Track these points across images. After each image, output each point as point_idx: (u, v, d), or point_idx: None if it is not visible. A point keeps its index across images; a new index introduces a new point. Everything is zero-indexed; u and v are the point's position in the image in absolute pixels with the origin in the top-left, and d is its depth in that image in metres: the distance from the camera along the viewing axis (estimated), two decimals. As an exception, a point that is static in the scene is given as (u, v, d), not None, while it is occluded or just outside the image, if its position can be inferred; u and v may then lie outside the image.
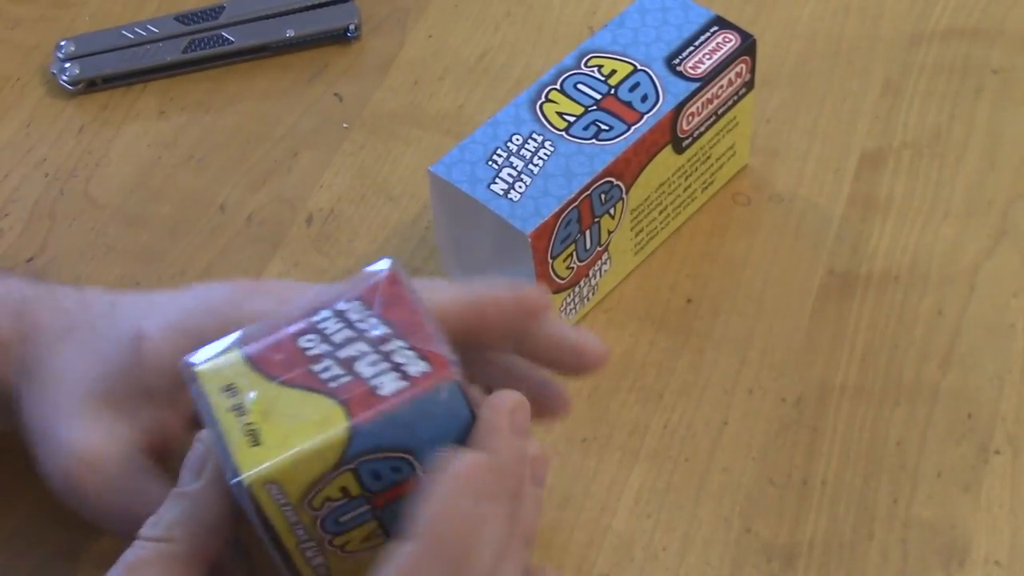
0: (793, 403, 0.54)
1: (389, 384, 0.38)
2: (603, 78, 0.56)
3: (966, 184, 0.61)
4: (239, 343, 0.40)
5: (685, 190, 0.59)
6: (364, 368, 0.39)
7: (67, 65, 0.67)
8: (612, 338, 0.57)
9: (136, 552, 0.40)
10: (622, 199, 0.55)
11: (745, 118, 0.59)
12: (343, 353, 0.39)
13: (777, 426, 0.54)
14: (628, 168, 0.54)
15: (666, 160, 0.56)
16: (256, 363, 0.39)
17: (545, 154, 0.54)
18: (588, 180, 0.53)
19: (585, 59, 0.57)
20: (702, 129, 0.57)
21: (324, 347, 0.40)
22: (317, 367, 0.39)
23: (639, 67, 0.56)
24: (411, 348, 0.39)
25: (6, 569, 0.51)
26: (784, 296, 0.58)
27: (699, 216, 0.61)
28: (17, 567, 0.52)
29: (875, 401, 0.54)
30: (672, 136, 0.56)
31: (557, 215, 0.52)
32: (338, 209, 0.62)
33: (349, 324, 0.40)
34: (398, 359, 0.39)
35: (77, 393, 0.45)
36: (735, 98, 0.58)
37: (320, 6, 0.69)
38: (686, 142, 0.57)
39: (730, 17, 0.58)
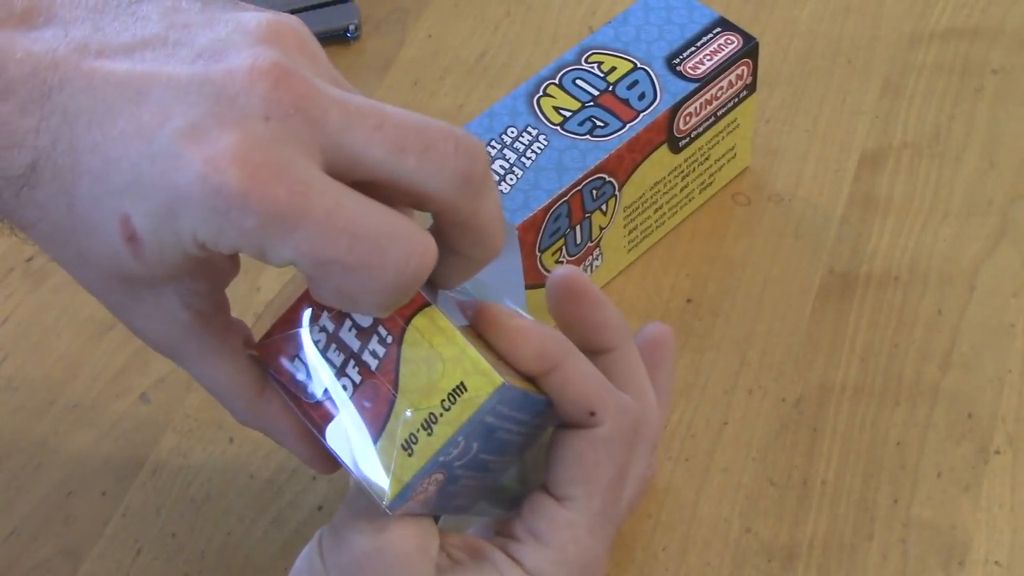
0: (793, 403, 0.54)
1: None
2: (602, 75, 0.56)
3: (966, 184, 0.61)
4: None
5: (682, 190, 0.59)
6: None
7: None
8: (612, 338, 0.57)
9: None
10: (615, 196, 0.55)
11: (746, 121, 0.59)
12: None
13: (777, 426, 0.54)
14: (621, 165, 0.54)
15: (662, 159, 0.56)
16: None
17: (539, 148, 0.54)
18: (579, 175, 0.53)
19: (586, 55, 0.57)
20: (700, 130, 0.57)
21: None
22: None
23: (639, 65, 0.56)
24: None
25: (6, 569, 0.52)
26: (784, 296, 0.58)
27: (699, 216, 0.61)
28: (17, 567, 0.52)
29: (875, 401, 0.54)
30: (668, 136, 0.56)
31: (546, 209, 0.52)
32: (338, 209, 0.62)
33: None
34: None
35: (99, 273, 0.38)
36: (736, 100, 0.58)
37: (320, 6, 0.69)
38: (683, 142, 0.57)
39: (730, 17, 0.58)
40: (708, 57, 0.56)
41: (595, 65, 0.56)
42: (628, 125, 0.54)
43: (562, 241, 0.54)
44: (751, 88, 0.58)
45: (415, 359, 0.38)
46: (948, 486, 0.52)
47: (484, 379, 0.37)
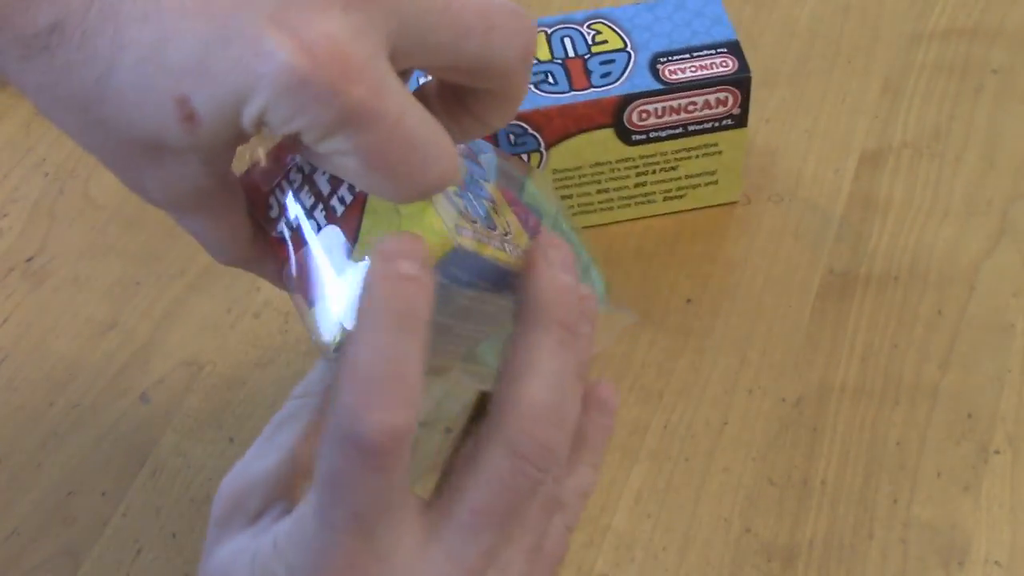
0: (793, 403, 0.54)
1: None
2: (590, 42, 0.57)
3: (966, 184, 0.61)
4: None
5: (636, 186, 0.59)
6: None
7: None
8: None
9: (283, 410, 0.41)
10: (540, 152, 0.56)
11: (733, 152, 0.59)
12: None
13: (777, 426, 0.54)
14: (550, 125, 0.55)
15: (606, 142, 0.57)
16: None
17: None
18: None
19: (592, 20, 0.58)
20: (661, 134, 0.57)
21: None
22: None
23: (628, 49, 0.57)
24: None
25: (6, 569, 0.52)
26: (784, 296, 0.58)
27: (699, 216, 0.61)
28: (17, 567, 0.52)
29: (875, 401, 0.54)
30: (616, 122, 0.56)
31: None
32: (338, 209, 0.62)
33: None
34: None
35: (120, 141, 0.35)
36: (715, 124, 0.57)
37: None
38: (637, 137, 0.57)
39: (730, 16, 0.58)
40: (693, 69, 0.56)
41: (593, 32, 0.57)
42: (573, 93, 0.55)
43: None
44: (739, 121, 0.57)
45: (378, 210, 0.38)
46: (948, 486, 0.52)
47: (438, 239, 0.37)
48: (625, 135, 0.56)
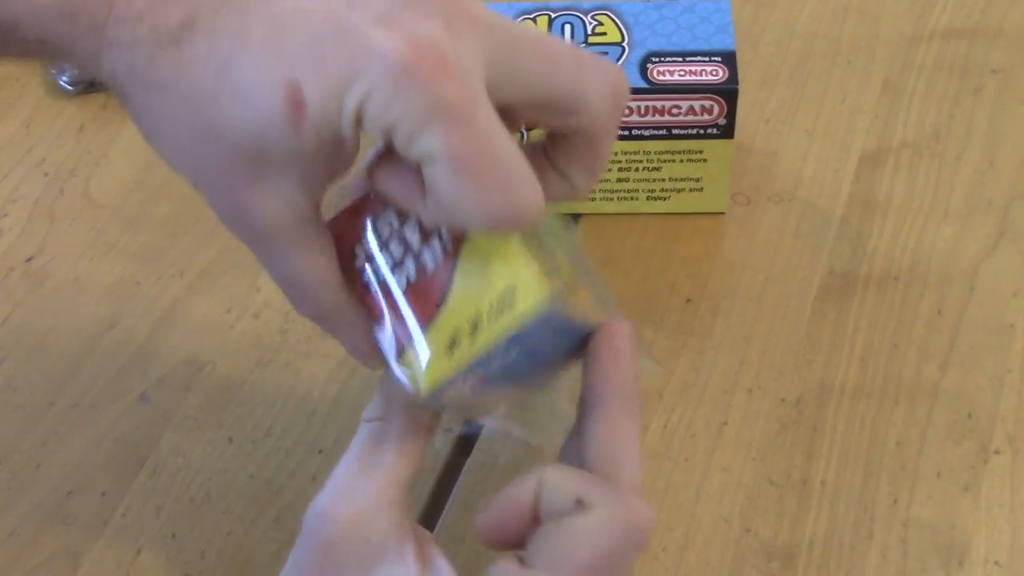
0: (793, 403, 0.54)
1: None
2: (588, 32, 0.57)
3: (966, 184, 0.61)
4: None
5: (620, 181, 0.60)
6: None
7: (67, 66, 0.67)
8: (612, 338, 0.57)
9: (365, 432, 0.42)
10: (520, 133, 0.57)
11: (719, 163, 0.59)
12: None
13: (777, 426, 0.54)
14: None
15: None
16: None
17: None
18: None
19: (599, 11, 0.58)
20: (644, 133, 0.57)
21: None
22: None
23: (623, 43, 0.57)
24: None
25: (6, 569, 0.52)
26: (784, 296, 0.58)
27: (699, 216, 0.61)
28: (17, 567, 0.52)
29: (875, 401, 0.54)
30: None
31: None
32: (338, 209, 0.62)
33: None
34: None
35: (228, 149, 0.37)
36: (700, 131, 0.57)
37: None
38: (620, 132, 0.57)
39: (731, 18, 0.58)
40: (682, 72, 0.56)
41: (595, 23, 0.57)
42: None
43: None
44: (725, 131, 0.57)
45: (471, 265, 0.39)
46: (948, 486, 0.52)
47: (535, 297, 0.38)
48: None
